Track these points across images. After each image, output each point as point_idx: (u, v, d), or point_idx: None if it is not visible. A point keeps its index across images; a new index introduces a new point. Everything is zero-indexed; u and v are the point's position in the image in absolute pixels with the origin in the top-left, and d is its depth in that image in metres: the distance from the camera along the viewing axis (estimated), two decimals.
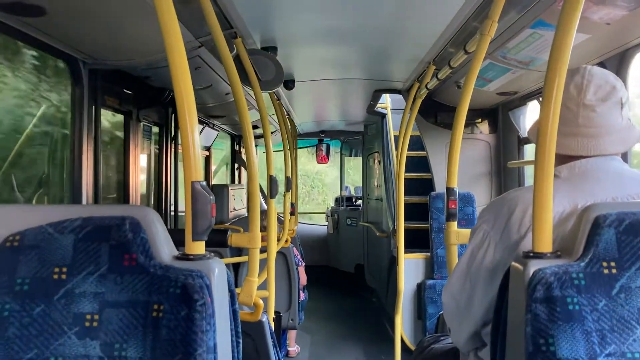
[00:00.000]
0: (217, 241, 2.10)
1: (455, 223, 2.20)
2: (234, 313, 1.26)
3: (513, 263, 1.17)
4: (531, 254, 1.13)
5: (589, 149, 1.40)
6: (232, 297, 1.27)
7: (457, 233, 2.17)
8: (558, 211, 1.29)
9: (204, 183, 1.22)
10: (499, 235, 1.41)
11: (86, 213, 1.20)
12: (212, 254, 1.24)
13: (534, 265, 1.09)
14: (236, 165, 7.35)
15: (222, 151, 7.29)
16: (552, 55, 1.13)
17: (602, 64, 2.68)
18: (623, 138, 1.42)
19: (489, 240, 1.44)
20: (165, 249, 1.18)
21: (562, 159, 1.42)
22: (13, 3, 1.93)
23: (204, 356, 1.07)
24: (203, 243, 1.22)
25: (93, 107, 2.95)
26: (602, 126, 1.39)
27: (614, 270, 1.05)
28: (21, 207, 1.26)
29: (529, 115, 4.14)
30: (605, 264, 1.06)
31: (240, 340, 1.29)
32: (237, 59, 2.64)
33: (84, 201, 2.85)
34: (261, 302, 2.15)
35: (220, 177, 7.41)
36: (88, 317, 1.11)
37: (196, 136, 1.23)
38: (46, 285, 1.13)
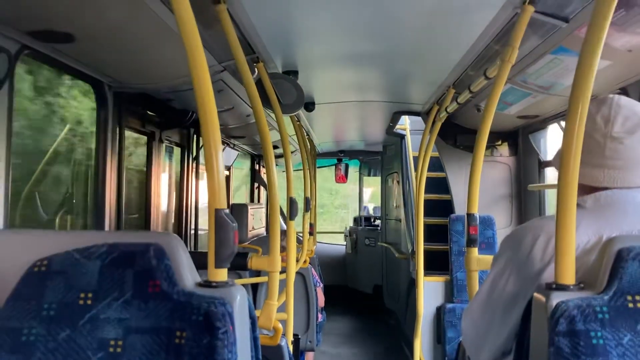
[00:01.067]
0: (237, 265, 2.12)
1: (476, 249, 2.19)
2: (254, 340, 1.27)
3: (535, 294, 1.16)
4: (554, 286, 1.12)
5: (615, 180, 1.38)
6: (253, 323, 1.28)
7: (478, 259, 2.15)
8: (582, 241, 1.27)
9: (227, 211, 1.24)
10: (521, 264, 1.40)
11: (112, 239, 1.22)
12: (233, 280, 1.25)
13: (556, 298, 1.08)
14: (255, 185, 7.39)
15: (241, 170, 7.34)
16: (575, 82, 1.13)
17: (624, 90, 2.66)
18: None
19: (510, 269, 1.43)
20: (188, 276, 1.19)
21: (588, 189, 1.41)
22: (44, 31, 1.99)
23: None
24: (225, 270, 1.24)
25: (117, 128, 3.01)
26: (629, 159, 1.38)
27: (639, 305, 1.04)
28: (48, 233, 1.29)
29: (550, 138, 4.12)
30: (630, 297, 1.04)
31: None
32: (259, 83, 2.68)
33: (107, 221, 2.89)
34: (280, 326, 2.15)
35: (239, 195, 7.45)
36: (112, 342, 1.13)
37: (220, 162, 1.25)
38: (72, 310, 1.15)
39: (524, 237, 1.42)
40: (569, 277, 1.11)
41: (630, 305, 1.04)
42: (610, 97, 1.43)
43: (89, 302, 1.15)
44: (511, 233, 1.51)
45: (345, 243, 8.80)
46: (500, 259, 1.48)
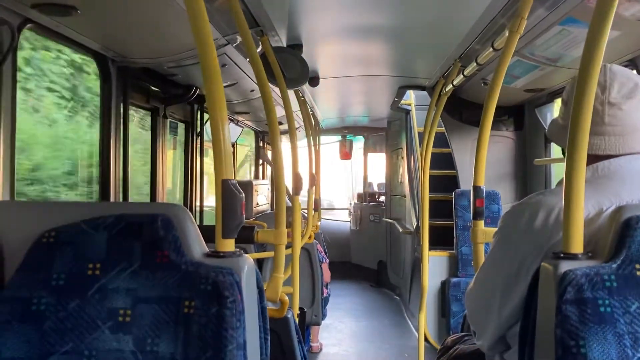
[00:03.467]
0: (244, 237, 2.12)
1: (482, 222, 2.19)
2: (262, 310, 1.28)
3: (543, 264, 1.16)
4: (561, 255, 1.12)
5: (617, 147, 1.38)
6: (261, 293, 1.28)
7: (484, 232, 2.15)
8: (583, 214, 1.27)
9: (234, 181, 1.24)
10: (521, 241, 1.40)
11: (119, 210, 1.23)
12: (241, 250, 1.26)
13: (564, 266, 1.08)
14: (259, 161, 7.39)
15: (245, 147, 7.33)
16: (585, 51, 1.11)
17: (632, 62, 2.63)
18: None
19: (509, 246, 1.44)
20: (196, 246, 1.20)
21: (588, 159, 1.40)
22: (47, 3, 1.97)
23: (234, 352, 1.08)
24: (233, 240, 1.24)
25: (121, 104, 3.00)
26: (628, 124, 1.38)
27: None
28: (56, 204, 1.30)
29: (556, 112, 4.08)
30: (638, 265, 1.04)
31: (269, 337, 1.31)
32: (263, 57, 2.66)
33: (112, 197, 2.90)
34: (287, 298, 2.17)
35: (242, 173, 7.46)
36: (121, 312, 1.14)
37: (227, 134, 1.25)
38: (81, 280, 1.16)
39: (522, 212, 1.42)
40: (577, 246, 1.11)
41: (639, 273, 1.04)
42: (603, 65, 1.41)
43: (97, 272, 1.16)
44: (510, 209, 1.51)
45: (349, 219, 8.82)
46: (499, 234, 1.49)
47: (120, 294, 1.15)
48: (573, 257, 1.10)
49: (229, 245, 1.23)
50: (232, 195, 1.22)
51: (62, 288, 1.15)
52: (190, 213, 1.23)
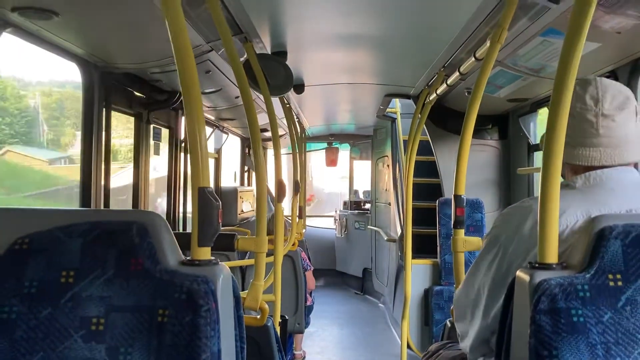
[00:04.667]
0: (225, 245, 2.11)
1: (463, 230, 2.20)
2: (238, 319, 1.27)
3: (518, 273, 1.16)
4: (537, 265, 1.12)
5: (612, 158, 1.39)
6: (237, 302, 1.27)
7: (465, 241, 2.16)
8: (571, 222, 1.29)
9: (211, 189, 1.23)
10: (510, 244, 1.42)
11: (94, 217, 1.21)
12: (218, 258, 1.25)
13: (538, 276, 1.08)
14: (246, 168, 7.37)
15: (231, 153, 7.30)
16: (561, 62, 1.13)
17: (613, 73, 2.66)
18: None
19: (499, 248, 1.45)
20: (171, 254, 1.18)
21: (581, 169, 1.42)
22: (28, 7, 1.96)
23: None
24: (209, 249, 1.23)
25: (104, 109, 2.98)
26: (621, 136, 1.40)
27: (619, 283, 1.04)
28: (30, 211, 1.28)
29: (540, 121, 4.12)
30: (611, 276, 1.05)
31: (245, 346, 1.30)
32: (247, 63, 2.65)
33: (93, 204, 2.87)
34: (267, 306, 2.15)
35: (230, 180, 7.43)
36: (94, 320, 1.12)
37: (204, 141, 1.24)
38: (53, 288, 1.14)
39: (514, 216, 1.45)
40: (552, 256, 1.12)
41: (611, 283, 1.04)
42: (593, 77, 1.45)
43: (70, 280, 1.14)
44: (503, 213, 1.54)
45: (335, 227, 8.81)
46: (490, 238, 1.51)
47: (93, 302, 1.13)
48: (548, 267, 1.10)
49: (205, 253, 1.22)
50: (208, 203, 1.21)
51: (34, 296, 1.14)
52: (165, 221, 1.22)
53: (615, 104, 1.40)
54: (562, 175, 1.51)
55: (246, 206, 6.34)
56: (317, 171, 8.53)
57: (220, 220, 1.24)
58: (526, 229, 1.38)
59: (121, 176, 4.35)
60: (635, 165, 1.46)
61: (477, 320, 1.51)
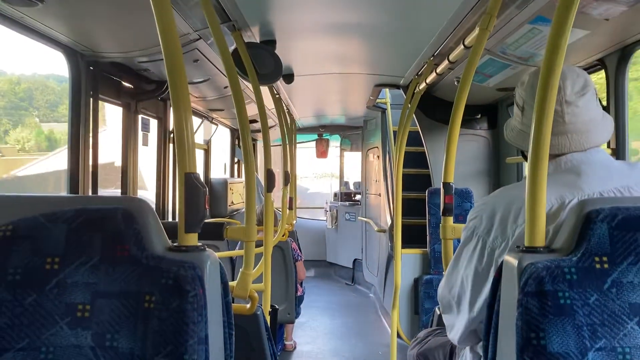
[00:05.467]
0: (213, 234, 2.10)
1: (452, 218, 2.20)
2: (226, 305, 1.26)
3: (506, 257, 1.17)
4: (524, 248, 1.13)
5: (581, 143, 1.42)
6: (225, 288, 1.26)
7: (453, 228, 2.17)
8: (546, 208, 1.29)
9: (197, 175, 1.22)
10: (487, 234, 1.42)
11: (79, 204, 1.20)
12: (205, 246, 1.24)
13: (526, 260, 1.09)
14: (236, 159, 7.35)
15: (221, 144, 7.27)
16: (548, 49, 1.13)
17: (601, 61, 2.67)
18: (606, 128, 1.46)
19: (477, 239, 1.46)
20: (157, 240, 1.18)
21: (551, 157, 1.43)
22: None
23: (195, 347, 1.07)
24: (196, 235, 1.22)
25: (91, 98, 2.95)
26: (586, 120, 1.42)
27: (605, 265, 1.05)
28: (14, 197, 1.26)
29: None
30: (597, 258, 1.05)
31: (233, 332, 1.29)
32: (236, 52, 2.63)
33: (81, 192, 2.85)
34: (256, 295, 2.15)
35: (220, 172, 7.40)
36: (80, 307, 1.11)
37: (190, 127, 1.23)
38: (38, 275, 1.13)
39: (488, 207, 1.46)
40: (539, 240, 1.12)
41: (598, 266, 1.05)
42: None
43: (55, 266, 1.13)
44: (477, 204, 1.55)
45: (325, 218, 8.82)
46: (468, 229, 1.52)
47: (79, 289, 1.12)
48: (535, 250, 1.11)
49: (192, 239, 1.21)
50: (195, 189, 1.21)
51: (18, 283, 1.12)
52: (151, 207, 1.21)
53: (577, 89, 1.42)
54: None
55: (236, 198, 6.32)
56: (300, 169, 8.52)
57: (207, 206, 1.23)
58: (502, 217, 1.39)
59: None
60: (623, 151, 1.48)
61: (463, 313, 1.52)
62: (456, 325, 1.56)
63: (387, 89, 5.43)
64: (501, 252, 1.37)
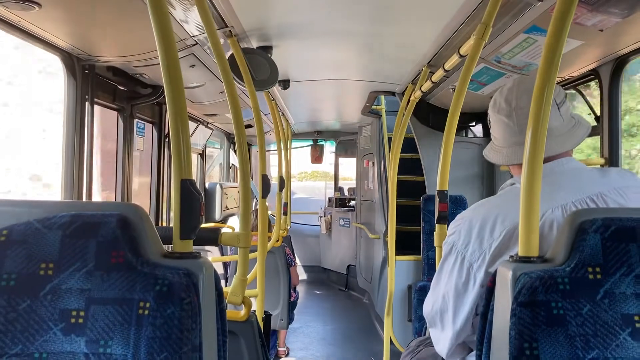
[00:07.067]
0: (208, 239, 2.09)
1: (446, 226, 2.21)
2: (220, 312, 1.26)
3: (499, 267, 1.17)
4: (517, 258, 1.13)
5: (550, 149, 1.43)
6: (220, 296, 1.27)
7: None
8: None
9: (193, 181, 1.22)
10: (465, 248, 1.44)
11: (74, 209, 1.20)
12: (200, 252, 1.24)
13: (519, 269, 1.09)
14: (231, 164, 7.34)
15: (218, 150, 7.28)
16: (543, 58, 1.14)
17: (595, 71, 2.69)
18: (571, 135, 1.47)
19: (456, 254, 1.47)
20: (152, 247, 1.17)
21: (518, 169, 1.46)
22: None
23: (189, 355, 1.07)
24: (191, 242, 1.22)
25: (87, 103, 2.95)
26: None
27: (598, 276, 1.06)
28: (9, 202, 1.25)
29: None
30: (590, 269, 1.06)
31: (227, 339, 1.29)
32: (232, 58, 2.64)
33: (76, 197, 2.84)
34: (250, 301, 2.14)
35: (215, 176, 7.40)
36: (74, 313, 1.11)
37: (186, 133, 1.23)
38: (32, 280, 1.12)
39: (465, 222, 1.48)
40: (532, 250, 1.13)
41: (591, 276, 1.06)
42: (512, 79, 1.53)
43: (50, 272, 1.13)
44: (455, 219, 1.55)
45: (320, 224, 8.82)
46: (447, 244, 1.53)
47: (73, 295, 1.12)
48: (528, 260, 1.12)
49: (187, 246, 1.21)
50: (190, 195, 1.21)
51: (12, 289, 1.12)
52: (147, 213, 1.21)
53: (522, 96, 1.46)
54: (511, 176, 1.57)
55: (231, 203, 6.32)
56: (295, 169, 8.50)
57: (202, 214, 1.24)
58: (479, 232, 1.41)
59: None
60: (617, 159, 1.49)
61: (447, 328, 1.52)
62: (441, 340, 1.57)
63: (383, 96, 5.45)
64: (479, 266, 1.39)
